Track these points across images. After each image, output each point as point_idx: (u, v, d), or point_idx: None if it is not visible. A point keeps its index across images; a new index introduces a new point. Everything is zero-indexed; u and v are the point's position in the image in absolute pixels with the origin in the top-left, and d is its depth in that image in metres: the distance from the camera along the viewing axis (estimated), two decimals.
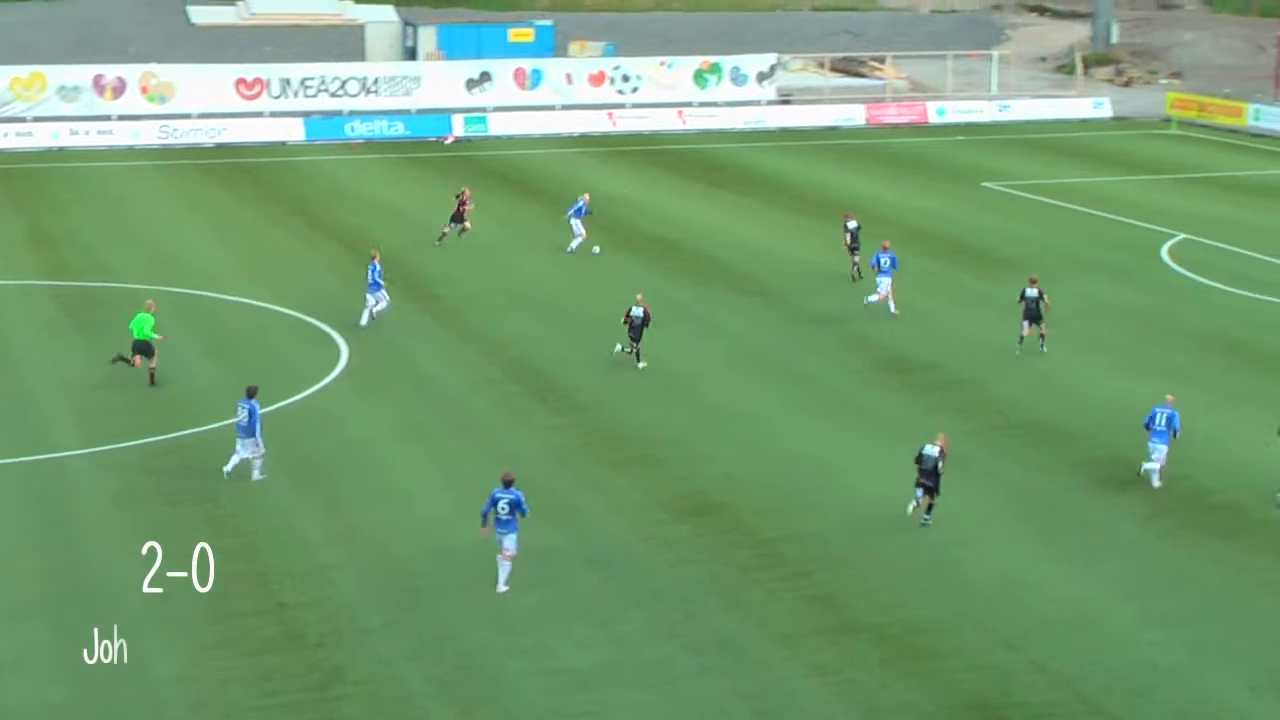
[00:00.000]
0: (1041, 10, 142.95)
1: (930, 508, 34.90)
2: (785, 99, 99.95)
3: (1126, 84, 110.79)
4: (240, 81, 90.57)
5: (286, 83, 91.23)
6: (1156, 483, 37.23)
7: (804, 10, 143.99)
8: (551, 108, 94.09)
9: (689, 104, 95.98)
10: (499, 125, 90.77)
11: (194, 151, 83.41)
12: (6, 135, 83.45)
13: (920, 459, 34.86)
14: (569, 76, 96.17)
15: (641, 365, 45.70)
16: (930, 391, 44.42)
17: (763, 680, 28.46)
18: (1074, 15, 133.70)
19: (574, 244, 59.63)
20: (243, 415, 36.57)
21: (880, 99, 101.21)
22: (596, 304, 52.74)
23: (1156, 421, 37.33)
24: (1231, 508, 36.37)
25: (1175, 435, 37.29)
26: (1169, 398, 38.09)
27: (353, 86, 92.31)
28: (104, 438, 39.87)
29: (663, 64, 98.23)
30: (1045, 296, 47.45)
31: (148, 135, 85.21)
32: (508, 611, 30.72)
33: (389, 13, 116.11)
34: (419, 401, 43.22)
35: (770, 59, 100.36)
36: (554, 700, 27.68)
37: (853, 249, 56.11)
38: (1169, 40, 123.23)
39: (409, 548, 33.59)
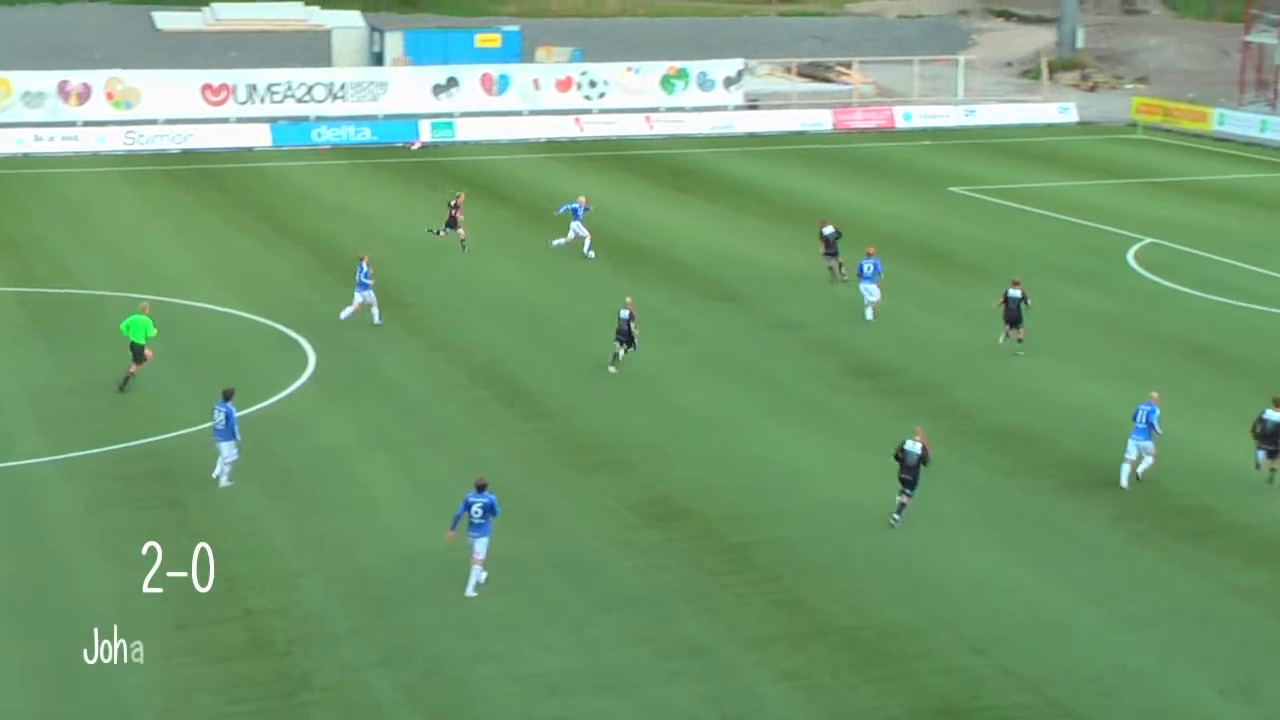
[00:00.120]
0: (1007, 15, 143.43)
1: (902, 508, 35.04)
2: (752, 104, 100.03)
3: (1092, 89, 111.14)
4: (206, 87, 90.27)
5: (253, 88, 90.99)
6: (1124, 482, 37.50)
7: (771, 16, 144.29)
8: (518, 113, 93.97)
9: (656, 109, 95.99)
10: (466, 131, 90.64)
11: (160, 157, 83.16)
12: None
13: (903, 455, 35.05)
14: (536, 82, 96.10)
15: (612, 370, 45.72)
16: (898, 396, 44.49)
17: (732, 685, 28.46)
18: (1040, 20, 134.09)
19: (560, 241, 59.84)
20: (219, 418, 36.47)
21: (847, 104, 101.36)
22: (564, 309, 52.79)
23: (1138, 419, 37.56)
24: (1199, 511, 36.50)
25: (1155, 432, 37.49)
26: (1153, 395, 38.26)
27: (319, 92, 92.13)
28: (71, 444, 39.69)
29: (630, 69, 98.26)
30: (1028, 299, 47.80)
31: (113, 141, 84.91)
32: (476, 617, 30.66)
33: (355, 18, 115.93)
34: (387, 408, 43.13)
35: (737, 64, 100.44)
36: (523, 706, 27.63)
37: (830, 254, 56.34)
38: (1134, 45, 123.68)
39: (377, 554, 33.51)
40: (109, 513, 35.61)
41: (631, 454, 39.76)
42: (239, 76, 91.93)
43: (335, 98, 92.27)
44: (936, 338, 50.21)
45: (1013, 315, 47.79)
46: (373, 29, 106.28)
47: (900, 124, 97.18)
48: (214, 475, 36.88)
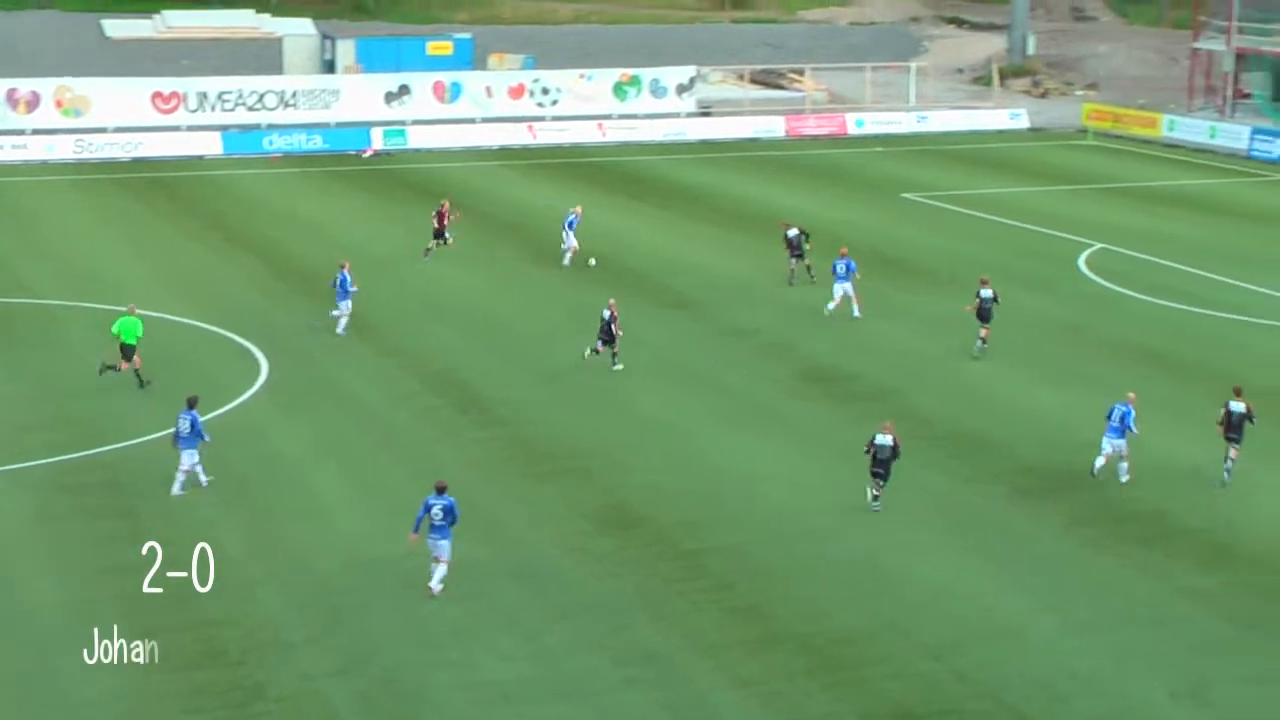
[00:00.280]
0: (959, 23, 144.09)
1: (876, 498, 35.94)
2: (705, 111, 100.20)
3: (1043, 95, 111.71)
4: (157, 95, 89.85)
5: (204, 96, 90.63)
6: (1095, 469, 37.99)
7: (723, 23, 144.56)
8: (471, 120, 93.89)
9: (609, 116, 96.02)
10: (418, 138, 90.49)
11: (110, 166, 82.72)
12: None
13: (874, 448, 35.68)
14: (488, 89, 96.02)
15: (586, 354, 46.55)
16: (853, 402, 44.54)
17: (687, 692, 28.43)
18: (991, 27, 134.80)
19: (567, 257, 59.69)
20: (184, 425, 36.33)
21: (799, 111, 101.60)
22: (518, 316, 52.74)
23: (1112, 418, 37.84)
24: (1151, 516, 36.65)
25: (1131, 432, 37.84)
26: (1130, 395, 38.48)
27: (271, 100, 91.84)
28: (19, 455, 39.40)
29: (582, 76, 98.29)
30: (998, 297, 48.41)
31: (62, 149, 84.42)
32: (432, 625, 30.58)
33: (307, 25, 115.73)
34: (340, 416, 42.99)
35: (690, 71, 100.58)
36: (479, 713, 27.56)
37: (795, 255, 56.59)
38: (1084, 52, 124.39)
39: (332, 562, 33.38)
40: (58, 523, 35.37)
41: (586, 461, 39.72)
42: (190, 84, 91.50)
43: (287, 105, 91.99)
44: (891, 344, 50.31)
45: (985, 314, 48.21)
46: (324, 36, 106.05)
47: (853, 131, 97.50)
48: (203, 482, 36.81)
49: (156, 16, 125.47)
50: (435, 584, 31.59)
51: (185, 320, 51.54)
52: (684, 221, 69.75)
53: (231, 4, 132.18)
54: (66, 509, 36.15)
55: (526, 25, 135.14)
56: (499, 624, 30.73)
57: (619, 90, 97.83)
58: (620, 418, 43.09)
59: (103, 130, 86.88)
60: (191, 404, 36.74)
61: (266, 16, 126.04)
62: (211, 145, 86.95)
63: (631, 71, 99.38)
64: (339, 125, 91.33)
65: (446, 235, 59.91)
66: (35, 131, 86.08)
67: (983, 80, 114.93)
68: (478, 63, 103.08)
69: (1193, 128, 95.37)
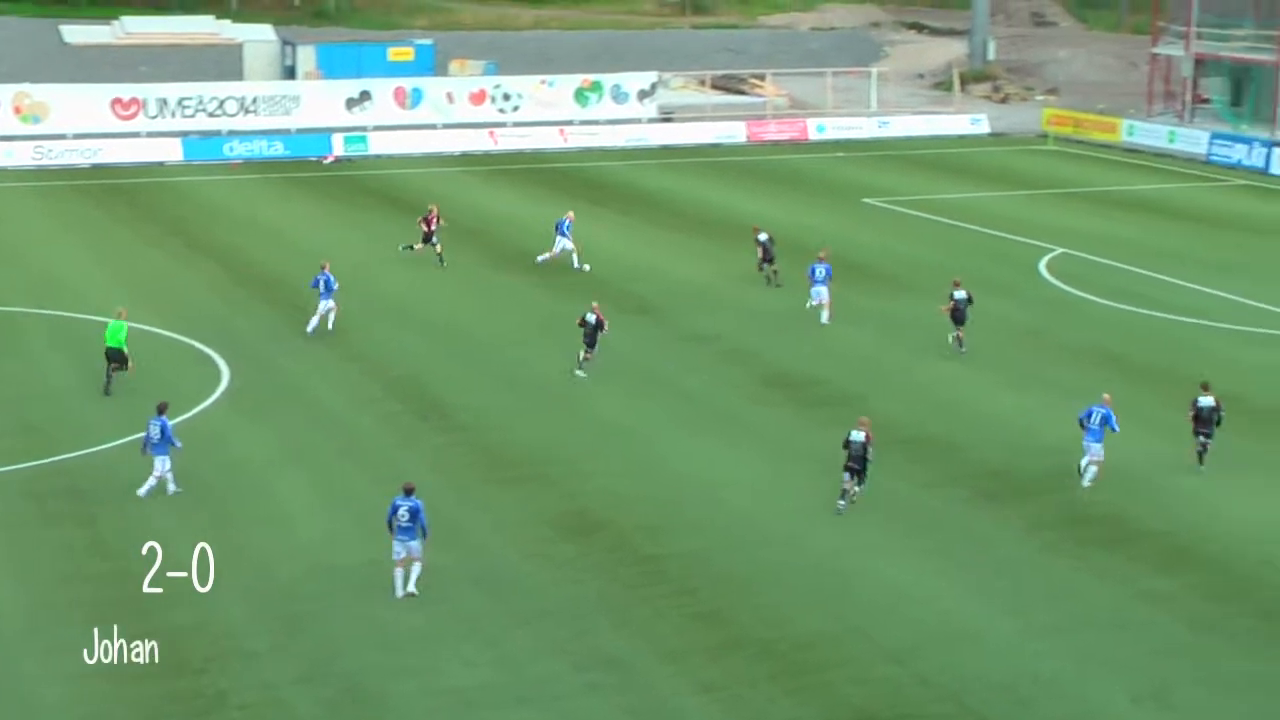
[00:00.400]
0: (919, 28, 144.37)
1: (845, 494, 36.19)
2: (666, 116, 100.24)
3: (1003, 100, 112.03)
4: (116, 101, 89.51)
5: (164, 103, 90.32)
6: (1087, 483, 38.00)
7: (684, 28, 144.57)
8: (432, 127, 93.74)
9: (570, 122, 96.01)
10: (379, 144, 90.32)
11: (69, 172, 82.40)
12: None
13: (848, 444, 36.04)
14: (450, 95, 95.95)
15: (579, 374, 46.37)
16: (814, 407, 44.60)
17: (649, 698, 28.44)
18: (951, 33, 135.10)
19: (544, 256, 59.87)
20: (154, 432, 36.23)
21: (761, 116, 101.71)
22: (479, 322, 52.68)
23: (1091, 420, 37.98)
24: (1111, 519, 36.78)
25: (1113, 432, 38.12)
26: (1105, 397, 38.69)
27: (231, 106, 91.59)
28: None
29: (543, 82, 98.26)
30: (972, 298, 48.75)
31: (21, 156, 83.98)
32: (395, 632, 30.53)
33: (267, 32, 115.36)
34: (302, 422, 42.88)
35: (651, 77, 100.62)
36: None
37: (766, 260, 56.82)
38: (1044, 57, 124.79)
39: (294, 569, 33.30)
40: (19, 530, 35.20)
41: (547, 467, 39.71)
42: (149, 90, 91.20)
43: (247, 111, 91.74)
44: (853, 349, 50.41)
45: (960, 315, 48.42)
46: (285, 42, 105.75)
47: (814, 136, 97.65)
48: (171, 491, 36.68)
49: (116, 23, 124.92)
50: (412, 586, 31.64)
51: (145, 327, 51.27)
52: (645, 227, 69.77)
53: (191, 10, 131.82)
54: (27, 516, 35.98)
55: (487, 31, 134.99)
56: (461, 630, 30.70)
57: (580, 96, 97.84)
58: (581, 423, 43.08)
59: (62, 137, 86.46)
60: (161, 410, 36.64)
61: (227, 22, 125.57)
62: (172, 151, 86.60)
63: (593, 77, 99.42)
64: (300, 131, 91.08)
65: (435, 241, 59.88)
66: None
67: (943, 85, 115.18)
68: (439, 69, 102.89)
69: (1152, 133, 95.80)
